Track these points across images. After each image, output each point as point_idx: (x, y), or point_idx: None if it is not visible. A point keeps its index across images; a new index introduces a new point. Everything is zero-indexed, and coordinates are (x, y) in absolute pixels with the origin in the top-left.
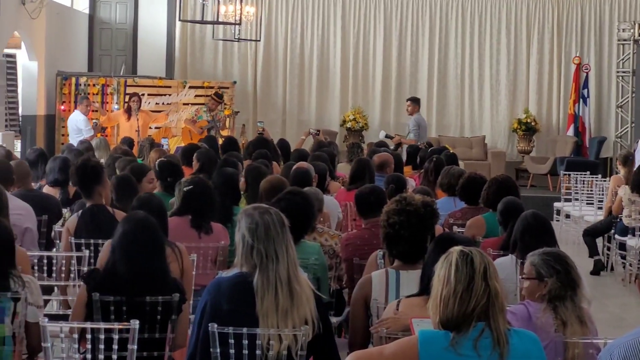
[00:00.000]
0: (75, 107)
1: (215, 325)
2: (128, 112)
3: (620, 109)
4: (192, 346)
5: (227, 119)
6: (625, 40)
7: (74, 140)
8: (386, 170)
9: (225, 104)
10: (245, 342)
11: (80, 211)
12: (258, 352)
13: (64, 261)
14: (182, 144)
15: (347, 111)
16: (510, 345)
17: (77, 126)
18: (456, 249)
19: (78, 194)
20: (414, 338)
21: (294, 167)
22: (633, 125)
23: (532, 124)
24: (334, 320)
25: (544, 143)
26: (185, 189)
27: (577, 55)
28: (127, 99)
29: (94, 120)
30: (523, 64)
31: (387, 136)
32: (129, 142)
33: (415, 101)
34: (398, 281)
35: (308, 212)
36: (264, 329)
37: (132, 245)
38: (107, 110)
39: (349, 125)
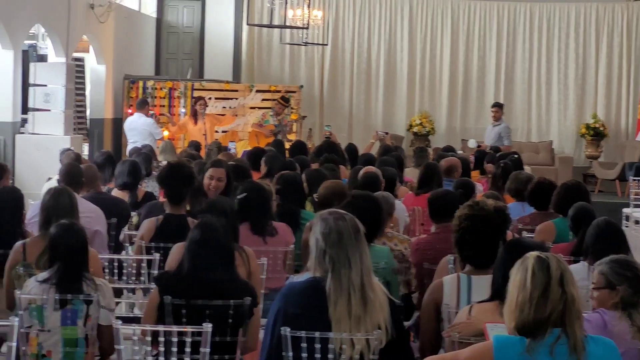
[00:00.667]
0: (137, 111)
1: (288, 329)
2: (194, 115)
3: None
4: (266, 351)
5: (294, 123)
6: None
7: (143, 143)
8: (454, 175)
9: (292, 108)
10: (318, 346)
11: (159, 218)
12: (330, 356)
13: (134, 264)
14: (249, 148)
15: (414, 115)
16: (587, 352)
17: (148, 129)
18: (533, 254)
19: (147, 197)
20: (489, 343)
21: (363, 171)
22: None
23: (601, 128)
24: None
25: (613, 148)
26: (238, 197)
27: None
28: (193, 103)
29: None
30: (591, 69)
31: (478, 146)
32: (196, 145)
33: (501, 107)
34: (470, 286)
35: (378, 216)
36: (336, 333)
37: (203, 250)
38: (174, 115)
39: (415, 129)
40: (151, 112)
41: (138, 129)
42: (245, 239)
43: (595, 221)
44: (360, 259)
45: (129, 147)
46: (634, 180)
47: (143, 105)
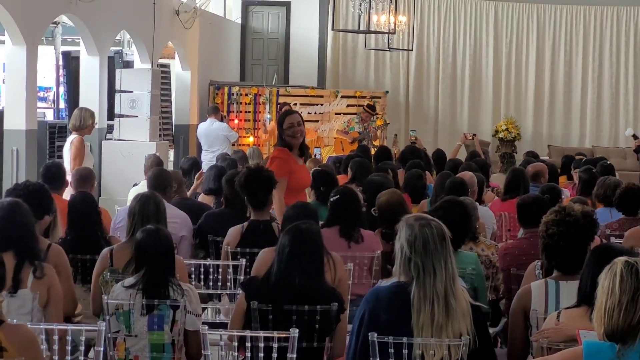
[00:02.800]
0: (209, 117)
1: (375, 335)
2: None
3: None
4: (351, 355)
5: (379, 130)
6: None
7: (220, 149)
8: (540, 181)
9: (377, 114)
10: (405, 352)
11: (244, 225)
12: None
13: (220, 270)
14: (334, 154)
15: (500, 121)
16: None
17: (223, 134)
18: (621, 259)
19: (231, 203)
20: (579, 349)
21: (451, 176)
22: None
23: None
24: (491, 330)
25: None
26: (332, 199)
27: None
28: (278, 109)
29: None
30: None
31: (634, 136)
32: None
33: None
34: (558, 292)
35: (465, 221)
36: (425, 339)
37: (294, 256)
38: (258, 121)
39: (501, 135)
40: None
41: (212, 134)
42: (330, 243)
43: None
44: (444, 266)
45: (204, 154)
46: None
47: (215, 111)
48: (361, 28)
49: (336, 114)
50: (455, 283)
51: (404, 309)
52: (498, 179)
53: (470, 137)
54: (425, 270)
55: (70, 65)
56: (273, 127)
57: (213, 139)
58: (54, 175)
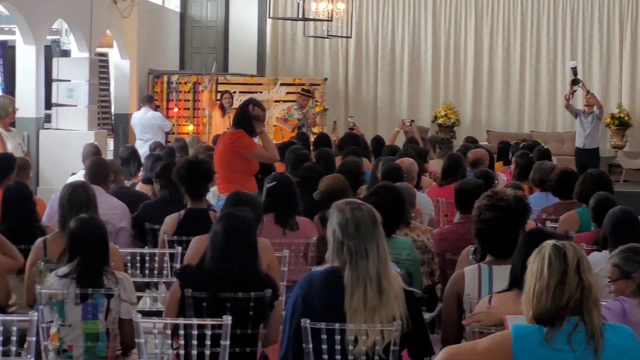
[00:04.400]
0: (144, 106)
1: (308, 321)
2: (222, 108)
3: None
4: (285, 341)
5: (318, 116)
6: None
7: (153, 138)
8: (480, 167)
9: (316, 101)
10: (338, 337)
11: (181, 213)
12: (350, 347)
13: (156, 258)
14: (274, 142)
15: (439, 107)
16: (605, 339)
17: (157, 123)
18: (549, 242)
19: (169, 192)
20: (508, 333)
21: (387, 162)
22: None
23: (626, 118)
24: (427, 316)
25: (638, 137)
26: (268, 185)
27: None
28: (218, 97)
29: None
30: (616, 59)
31: (574, 71)
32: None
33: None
34: (491, 276)
35: (399, 206)
36: (357, 324)
37: (227, 242)
38: (198, 109)
39: (440, 121)
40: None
41: (146, 123)
42: (267, 230)
43: (611, 210)
44: (377, 249)
45: (138, 143)
46: None
47: (149, 100)
48: (300, 16)
49: (275, 101)
50: (387, 266)
51: (338, 293)
52: (436, 165)
53: (408, 124)
54: (357, 253)
55: (7, 54)
56: (215, 104)
57: (147, 128)
58: None
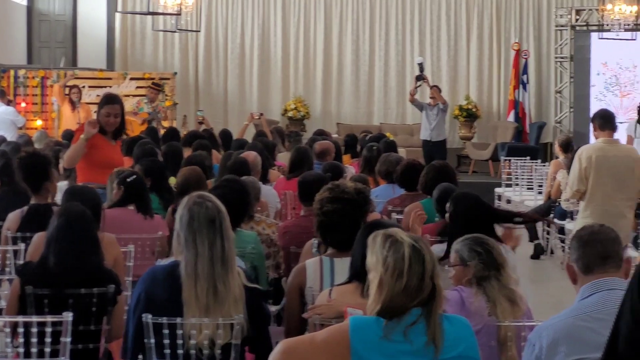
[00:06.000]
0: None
1: (150, 316)
2: (72, 103)
3: (559, 94)
4: (129, 337)
5: (168, 110)
6: (562, 26)
7: (6, 133)
8: (326, 159)
9: (166, 95)
10: (180, 332)
11: (24, 209)
12: (193, 341)
13: None
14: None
15: (289, 100)
16: (442, 330)
17: (10, 118)
18: (406, 240)
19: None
20: (345, 325)
21: (233, 155)
22: (572, 110)
23: (473, 110)
24: (273, 309)
25: (485, 129)
26: (128, 179)
27: (516, 41)
28: (67, 91)
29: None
30: (463, 51)
31: (422, 67)
32: (70, 134)
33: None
34: (332, 269)
35: (244, 200)
36: (199, 319)
37: (66, 238)
38: (46, 104)
39: (290, 114)
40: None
41: None
42: (124, 222)
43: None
44: (211, 247)
45: None
46: (506, 160)
47: (1, 95)
48: (148, 10)
49: (125, 96)
50: (227, 265)
51: (178, 287)
52: (284, 158)
53: (257, 117)
54: (188, 248)
55: None
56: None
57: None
58: None
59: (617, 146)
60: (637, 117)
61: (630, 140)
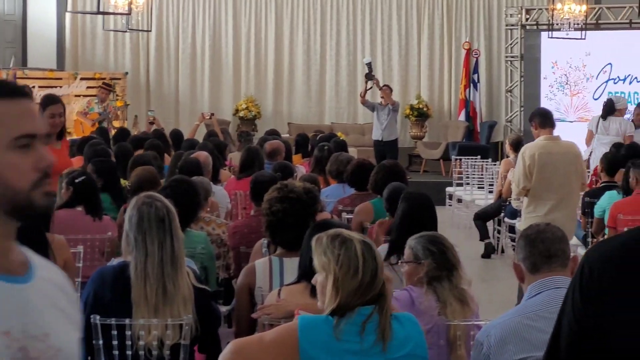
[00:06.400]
0: None
1: (98, 317)
2: None
3: (509, 93)
4: None
5: (119, 111)
6: (513, 25)
7: None
8: (277, 159)
9: (117, 95)
10: (129, 333)
11: None
12: (141, 342)
13: None
14: (74, 136)
15: (240, 100)
16: (392, 329)
17: None
18: (354, 237)
19: None
20: (294, 324)
21: (184, 155)
22: (522, 109)
23: (424, 109)
24: (224, 309)
25: (436, 128)
26: (76, 180)
27: (467, 40)
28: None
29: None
30: (414, 50)
31: (370, 67)
32: None
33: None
34: (282, 269)
35: (193, 200)
36: (147, 320)
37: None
38: None
39: (241, 114)
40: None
41: None
42: (74, 223)
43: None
44: (161, 247)
45: None
46: (457, 159)
47: None
48: (98, 9)
49: (76, 96)
50: (176, 267)
51: (126, 288)
52: (235, 158)
53: (208, 117)
54: (138, 248)
55: None
56: None
57: None
58: None
59: (559, 143)
60: (600, 114)
61: (590, 135)
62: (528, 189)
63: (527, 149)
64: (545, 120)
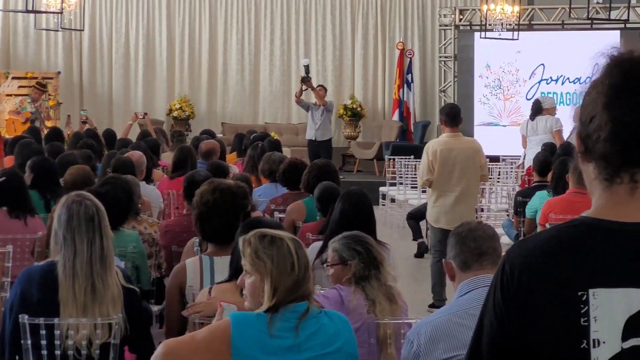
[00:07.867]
0: None
1: (26, 317)
2: None
3: (443, 93)
4: (7, 338)
5: (52, 110)
6: (446, 25)
7: None
8: (212, 158)
9: (49, 95)
10: (58, 332)
11: None
12: (70, 341)
13: None
14: (6, 136)
15: (174, 100)
16: (321, 325)
17: None
18: (284, 235)
19: None
20: (226, 321)
21: (117, 155)
22: None
23: (358, 109)
24: (155, 308)
25: (370, 128)
26: None
27: (401, 40)
28: None
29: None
30: (348, 50)
31: (307, 69)
32: None
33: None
34: (212, 267)
35: (126, 200)
36: (77, 319)
37: None
38: None
39: (175, 114)
40: None
41: None
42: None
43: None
44: (89, 246)
45: None
46: (390, 159)
47: None
48: (29, 8)
49: (7, 95)
50: (105, 265)
51: (54, 287)
52: (168, 158)
53: (142, 116)
54: (67, 246)
55: None
56: None
57: None
58: None
59: (460, 139)
60: (528, 116)
61: (524, 139)
62: (431, 181)
63: (430, 145)
64: (449, 119)
